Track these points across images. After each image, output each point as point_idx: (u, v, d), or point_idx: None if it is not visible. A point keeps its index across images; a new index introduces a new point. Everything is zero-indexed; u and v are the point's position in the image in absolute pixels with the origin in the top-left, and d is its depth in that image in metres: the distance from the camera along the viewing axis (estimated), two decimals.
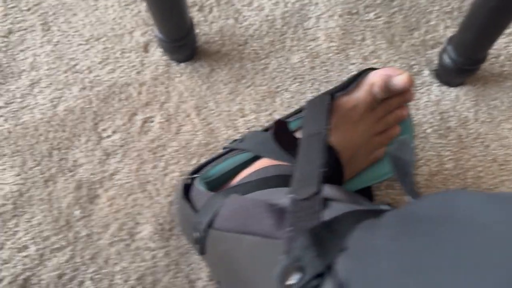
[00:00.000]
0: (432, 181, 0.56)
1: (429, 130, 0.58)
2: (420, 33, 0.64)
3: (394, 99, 0.48)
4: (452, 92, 0.60)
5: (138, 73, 0.62)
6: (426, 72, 0.62)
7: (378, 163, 0.50)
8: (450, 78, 0.59)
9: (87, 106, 0.60)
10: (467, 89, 0.60)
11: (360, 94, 0.47)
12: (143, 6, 0.66)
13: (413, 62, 0.62)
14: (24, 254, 0.52)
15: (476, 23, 0.51)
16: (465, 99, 0.60)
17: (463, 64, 0.56)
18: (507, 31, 0.62)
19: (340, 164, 0.44)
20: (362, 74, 0.48)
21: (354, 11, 0.66)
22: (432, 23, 0.65)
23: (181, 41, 0.58)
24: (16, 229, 0.54)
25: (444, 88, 0.61)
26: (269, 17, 0.66)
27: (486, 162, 0.57)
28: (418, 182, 0.56)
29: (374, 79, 0.47)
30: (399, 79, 0.45)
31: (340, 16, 0.65)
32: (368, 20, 0.65)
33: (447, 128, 0.58)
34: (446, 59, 0.57)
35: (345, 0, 0.66)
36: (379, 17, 0.65)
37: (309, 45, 0.64)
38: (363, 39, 0.64)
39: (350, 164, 0.47)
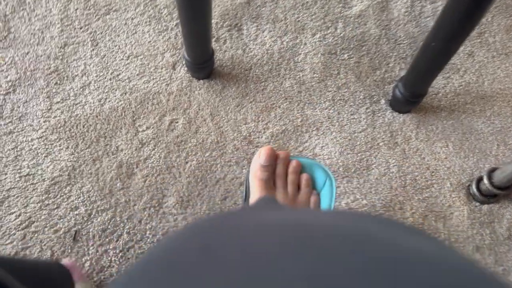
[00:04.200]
0: (380, 180, 0.76)
1: (381, 144, 0.79)
2: (381, 72, 0.86)
3: (278, 165, 0.55)
4: (401, 117, 0.82)
5: (167, 85, 0.81)
6: (383, 101, 0.83)
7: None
8: (400, 107, 0.80)
9: (127, 106, 0.78)
10: (412, 115, 0.82)
11: (255, 189, 0.54)
12: (173, 34, 0.86)
13: (373, 93, 0.83)
14: (75, 212, 0.70)
15: (419, 66, 0.72)
16: (410, 123, 0.81)
17: (409, 97, 0.77)
18: (445, 74, 0.84)
19: None
20: (246, 184, 0.58)
21: (333, 51, 0.87)
22: (390, 65, 0.87)
23: (203, 64, 0.78)
24: (69, 194, 0.71)
25: (395, 114, 0.82)
26: (269, 51, 0.86)
27: (422, 170, 0.77)
28: (370, 180, 0.76)
29: (253, 173, 0.55)
30: (262, 155, 0.54)
31: (322, 54, 0.86)
32: (343, 59, 0.86)
33: (394, 143, 0.79)
34: (397, 93, 0.79)
35: (327, 43, 0.88)
36: (352, 57, 0.87)
37: (298, 75, 0.84)
38: (338, 73, 0.85)
39: None
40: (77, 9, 0.87)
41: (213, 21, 0.88)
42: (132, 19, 0.87)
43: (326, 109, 0.81)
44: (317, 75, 0.84)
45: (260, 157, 0.54)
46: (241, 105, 0.80)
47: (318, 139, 0.78)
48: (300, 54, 0.86)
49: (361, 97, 0.83)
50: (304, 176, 0.56)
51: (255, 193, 0.54)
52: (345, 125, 0.80)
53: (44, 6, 0.87)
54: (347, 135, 0.79)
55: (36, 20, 0.86)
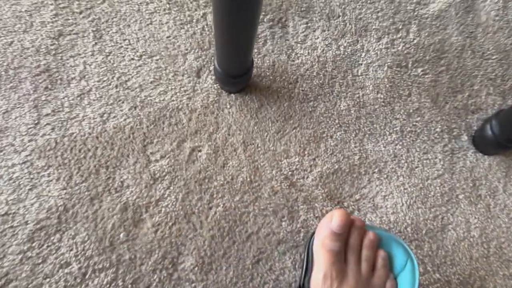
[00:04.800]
0: (458, 246, 0.59)
1: (461, 196, 0.61)
2: (464, 96, 0.67)
3: (351, 235, 0.48)
4: (486, 161, 0.63)
5: (189, 98, 0.63)
6: (465, 137, 0.64)
7: None
8: (488, 148, 0.62)
9: (137, 126, 0.61)
10: (500, 159, 0.64)
11: (321, 262, 0.46)
12: (199, 28, 0.66)
13: (454, 126, 0.65)
14: (66, 270, 0.54)
15: None
16: (497, 169, 0.63)
17: (505, 141, 0.59)
18: None
19: None
20: (308, 253, 0.50)
21: (403, 64, 0.68)
22: (475, 87, 0.67)
23: (238, 78, 0.59)
24: (59, 244, 0.55)
25: (479, 155, 0.64)
26: (321, 59, 0.67)
27: (509, 234, 0.60)
28: (445, 246, 0.59)
29: (320, 241, 0.47)
30: (335, 220, 0.46)
31: (390, 67, 0.67)
32: (416, 76, 0.67)
33: (477, 196, 0.62)
34: (488, 131, 0.60)
35: (396, 52, 0.68)
36: (426, 74, 0.67)
37: (357, 93, 0.65)
38: (409, 95, 0.66)
39: None
40: None
41: None
42: (147, 4, 0.67)
43: (392, 143, 0.63)
44: (381, 96, 0.65)
45: (333, 222, 0.46)
46: (283, 131, 0.62)
47: (381, 185, 0.61)
48: (361, 64, 0.67)
49: (437, 129, 0.64)
50: (382, 254, 0.48)
51: (321, 267, 0.46)
52: (416, 167, 0.62)
53: None
54: (418, 182, 0.61)
55: None
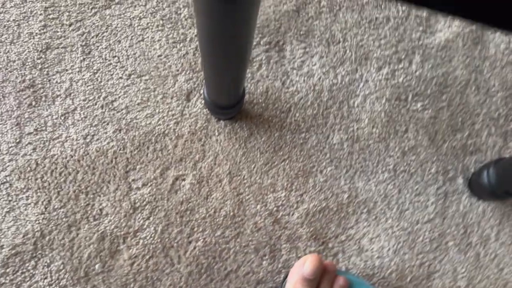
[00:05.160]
0: None
1: (450, 243, 0.59)
2: (463, 135, 0.64)
3: (323, 280, 0.48)
4: (480, 206, 0.61)
5: (176, 123, 0.60)
6: (460, 180, 0.62)
7: None
8: (482, 195, 0.60)
9: (121, 151, 0.59)
10: (495, 205, 0.61)
11: None
12: (192, 48, 0.64)
13: (450, 167, 0.62)
14: None
15: None
16: (491, 215, 0.61)
17: (501, 192, 0.56)
18: None
19: None
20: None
21: (403, 97, 0.65)
22: (476, 126, 0.64)
23: (228, 109, 0.57)
24: (33, 271, 0.54)
25: (474, 199, 0.61)
26: (317, 87, 0.64)
27: (497, 286, 0.58)
28: None
29: (292, 285, 0.47)
30: (307, 265, 0.46)
31: (388, 100, 0.64)
32: (414, 111, 0.64)
33: (468, 243, 0.60)
34: (485, 179, 0.58)
35: (396, 83, 0.65)
36: (426, 109, 0.64)
37: (351, 127, 0.63)
38: (406, 131, 0.63)
39: None
40: None
41: None
42: (140, 19, 0.65)
43: (383, 182, 0.61)
44: (377, 131, 0.63)
45: (305, 267, 0.46)
46: (271, 163, 0.60)
47: (369, 226, 0.59)
48: (358, 95, 0.64)
49: (432, 170, 0.62)
50: None
51: None
52: (407, 210, 0.60)
53: None
54: (408, 226, 0.59)
55: (12, 5, 0.63)
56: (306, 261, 0.47)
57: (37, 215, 0.55)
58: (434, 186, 0.61)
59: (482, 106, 0.65)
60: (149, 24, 0.65)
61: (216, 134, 0.61)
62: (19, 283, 0.53)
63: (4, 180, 0.56)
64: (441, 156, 0.63)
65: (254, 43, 0.64)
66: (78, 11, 0.64)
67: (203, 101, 0.62)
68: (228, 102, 0.55)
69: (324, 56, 0.65)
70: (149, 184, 0.58)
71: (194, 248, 0.56)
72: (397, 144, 0.63)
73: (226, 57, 0.43)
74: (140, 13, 0.65)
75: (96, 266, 0.54)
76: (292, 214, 0.58)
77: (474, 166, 0.63)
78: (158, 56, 0.63)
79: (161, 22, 0.65)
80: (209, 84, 0.53)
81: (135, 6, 0.65)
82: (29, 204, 0.56)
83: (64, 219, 0.56)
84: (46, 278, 0.54)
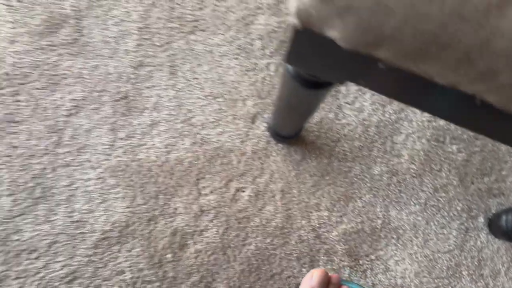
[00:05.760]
0: None
1: (464, 272, 0.69)
2: (490, 180, 0.72)
3: None
4: (496, 244, 0.70)
5: (241, 142, 0.71)
6: (481, 219, 0.71)
7: None
8: (498, 235, 0.69)
9: (194, 161, 0.70)
10: (509, 245, 0.70)
11: None
12: (261, 76, 0.74)
13: (473, 206, 0.71)
14: (121, 277, 0.66)
15: None
16: (504, 253, 0.70)
17: None
18: None
19: None
20: None
21: (441, 139, 0.73)
22: (503, 172, 0.73)
23: (286, 138, 0.67)
24: (117, 254, 0.67)
25: (491, 237, 0.70)
26: (365, 122, 0.73)
27: None
28: None
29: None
30: (315, 278, 0.55)
31: (428, 140, 0.73)
32: (450, 152, 0.73)
33: (480, 274, 0.69)
34: (503, 222, 0.66)
35: (437, 126, 0.74)
36: (461, 152, 0.73)
37: (392, 161, 0.72)
38: (440, 170, 0.72)
39: None
40: (159, 18, 0.75)
41: None
42: (219, 46, 0.75)
43: (414, 214, 0.70)
44: (414, 167, 0.72)
45: (313, 279, 0.55)
46: (318, 186, 0.71)
47: (396, 250, 0.69)
48: (402, 133, 0.73)
49: (458, 207, 0.71)
50: None
51: None
52: (431, 239, 0.70)
53: (123, 6, 0.76)
54: (429, 254, 0.69)
55: (112, 24, 0.75)
56: (313, 274, 0.56)
57: (123, 208, 0.68)
58: (457, 222, 0.71)
59: (511, 154, 0.73)
60: (227, 52, 0.75)
61: (274, 155, 0.71)
62: (106, 262, 0.66)
63: (99, 176, 0.69)
64: (467, 195, 0.72)
65: None
66: (167, 34, 0.75)
67: (265, 125, 0.72)
68: (289, 134, 0.66)
69: (375, 94, 0.74)
70: (215, 192, 0.69)
71: (247, 250, 0.68)
72: (430, 181, 0.72)
73: (296, 115, 0.53)
74: (220, 41, 0.75)
75: (168, 256, 0.67)
76: (332, 232, 0.69)
77: (496, 207, 0.71)
78: (232, 81, 0.74)
79: (237, 51, 0.75)
80: (276, 122, 0.63)
81: (216, 34, 0.75)
82: (118, 198, 0.68)
83: (145, 214, 0.68)
84: (127, 260, 0.66)
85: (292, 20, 0.28)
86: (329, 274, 0.58)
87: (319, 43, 0.29)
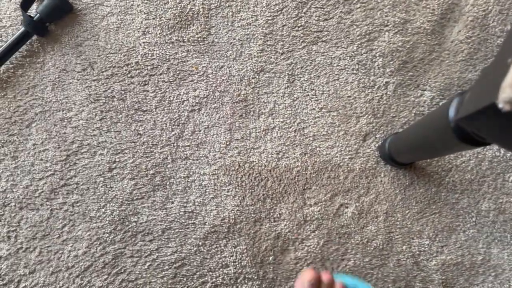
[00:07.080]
0: None
1: None
2: None
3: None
4: None
5: (350, 159, 0.73)
6: None
7: None
8: None
9: (303, 171, 0.73)
10: None
11: None
12: (378, 95, 0.74)
13: None
14: (225, 271, 0.71)
15: None
16: None
17: None
18: None
19: None
20: None
21: None
22: None
23: (401, 165, 0.68)
24: (224, 248, 0.71)
25: None
26: (480, 155, 0.72)
27: None
28: None
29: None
30: (305, 279, 0.53)
31: None
32: None
33: None
34: None
35: None
36: None
37: (501, 199, 0.71)
38: None
39: None
40: (284, 25, 0.77)
41: (429, 94, 0.74)
42: (339, 59, 0.76)
43: None
44: None
45: (303, 282, 0.53)
46: (423, 213, 0.71)
47: None
48: None
49: None
50: None
51: None
52: None
53: (251, 9, 0.78)
54: None
55: (239, 26, 0.77)
56: (303, 275, 0.55)
57: (233, 206, 0.72)
58: None
59: None
60: (346, 66, 0.75)
61: (382, 176, 0.72)
62: (212, 254, 0.71)
63: (214, 172, 0.73)
64: None
65: (434, 101, 0.73)
66: (290, 42, 0.77)
67: (377, 144, 0.73)
68: (403, 162, 0.66)
69: None
70: (319, 204, 0.72)
71: (345, 266, 0.70)
72: None
73: (428, 153, 0.54)
74: (341, 54, 0.76)
75: (270, 258, 0.71)
76: (431, 261, 0.70)
77: None
78: (348, 96, 0.75)
79: (356, 66, 0.75)
80: (398, 149, 0.64)
81: (338, 47, 0.76)
82: (229, 196, 0.73)
83: (252, 215, 0.72)
84: (232, 256, 0.71)
85: (502, 104, 0.29)
86: (320, 272, 0.57)
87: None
